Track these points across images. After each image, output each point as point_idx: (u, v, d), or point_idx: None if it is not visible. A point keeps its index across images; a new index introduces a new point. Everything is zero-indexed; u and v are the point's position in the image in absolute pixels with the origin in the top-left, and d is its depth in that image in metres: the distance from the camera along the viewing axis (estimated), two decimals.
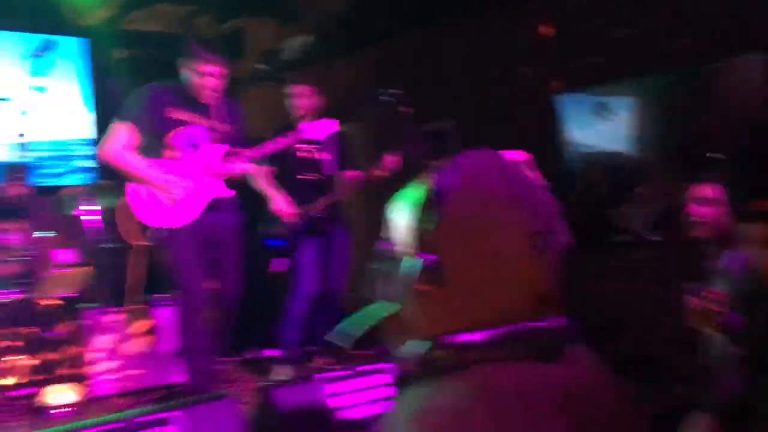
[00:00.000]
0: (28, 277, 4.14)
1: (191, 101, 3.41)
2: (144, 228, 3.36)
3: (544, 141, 4.53)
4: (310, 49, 6.21)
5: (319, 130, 3.62)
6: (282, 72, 6.42)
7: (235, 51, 6.57)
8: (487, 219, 0.90)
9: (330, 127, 3.64)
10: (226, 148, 3.50)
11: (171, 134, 3.37)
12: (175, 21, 6.54)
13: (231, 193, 3.53)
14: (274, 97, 6.19)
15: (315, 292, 4.15)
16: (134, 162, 3.32)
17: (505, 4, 4.76)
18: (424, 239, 0.92)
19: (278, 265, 4.12)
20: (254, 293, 3.85)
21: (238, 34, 6.55)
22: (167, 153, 3.38)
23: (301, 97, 4.16)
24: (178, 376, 3.86)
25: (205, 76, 3.33)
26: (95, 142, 5.84)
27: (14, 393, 3.85)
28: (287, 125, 3.97)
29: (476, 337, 0.89)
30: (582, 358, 0.96)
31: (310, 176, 4.21)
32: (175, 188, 3.35)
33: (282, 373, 4.10)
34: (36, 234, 4.36)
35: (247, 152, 3.46)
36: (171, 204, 3.37)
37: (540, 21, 4.55)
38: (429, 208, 0.92)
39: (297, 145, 4.05)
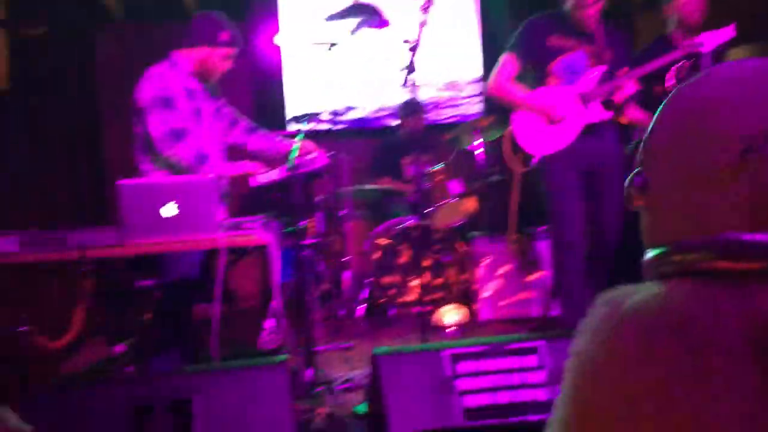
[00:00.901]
0: (426, 206, 4.52)
1: (573, 29, 3.32)
2: (527, 157, 3.39)
3: None
4: None
5: (716, 38, 3.17)
6: None
7: None
8: (686, 126, 0.81)
9: (726, 34, 3.17)
10: (606, 72, 3.31)
11: (552, 62, 3.33)
12: None
13: (609, 114, 3.33)
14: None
15: None
16: (517, 92, 3.39)
17: None
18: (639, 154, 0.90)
19: None
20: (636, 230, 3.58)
21: None
22: (549, 81, 3.36)
23: (687, 4, 3.62)
24: (554, 309, 3.86)
25: (587, 7, 3.21)
26: (483, 80, 6.08)
27: (412, 309, 4.29)
28: (662, 38, 3.56)
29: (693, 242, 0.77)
30: None
31: None
32: (555, 115, 3.31)
33: None
34: (432, 166, 4.72)
35: (630, 71, 3.22)
36: (549, 129, 3.34)
37: None
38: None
39: (678, 64, 3.60)
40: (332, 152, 3.41)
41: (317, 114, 3.61)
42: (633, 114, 3.49)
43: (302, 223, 3.33)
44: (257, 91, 5.69)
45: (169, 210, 2.69)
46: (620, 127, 3.52)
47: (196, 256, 3.21)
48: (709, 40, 3.20)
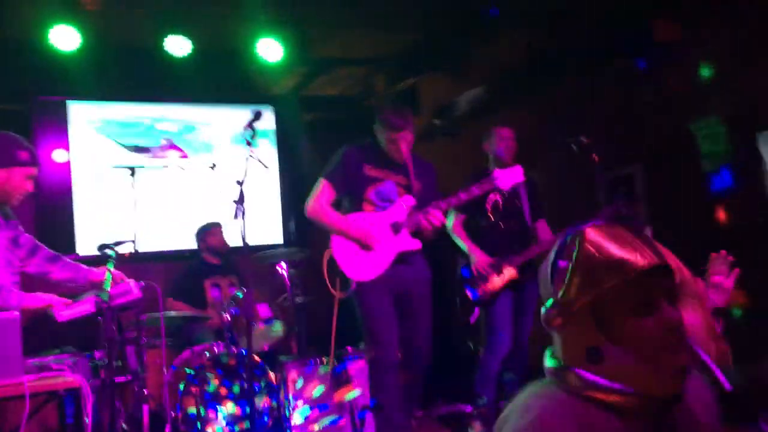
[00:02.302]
0: (234, 330, 4.42)
1: (384, 159, 3.58)
2: (345, 280, 3.50)
3: (743, 180, 4.24)
4: (482, 100, 6.27)
5: (510, 177, 3.56)
6: (455, 126, 6.53)
7: (410, 107, 6.77)
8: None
9: (519, 175, 3.59)
10: (415, 203, 3.57)
11: (366, 190, 3.55)
12: (353, 83, 6.88)
13: (418, 245, 3.59)
14: (448, 151, 6.30)
15: (510, 347, 4.07)
16: (334, 216, 3.54)
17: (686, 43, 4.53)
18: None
19: (473, 316, 4.09)
20: (446, 344, 3.83)
21: (412, 91, 6.77)
22: (365, 207, 3.56)
23: (506, 141, 4.15)
24: (371, 429, 3.91)
25: (397, 142, 3.49)
26: (282, 200, 6.24)
27: None
28: (480, 172, 3.96)
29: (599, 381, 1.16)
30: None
31: (505, 225, 4.15)
32: (369, 241, 3.48)
33: (476, 429, 4.04)
34: (239, 289, 4.66)
35: (439, 204, 3.50)
36: (365, 256, 3.50)
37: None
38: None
39: (491, 194, 4.03)
40: (143, 282, 3.27)
41: (123, 241, 3.45)
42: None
43: (100, 357, 3.13)
44: (41, 214, 5.29)
45: None
46: (436, 252, 3.81)
47: None
48: (503, 177, 3.56)
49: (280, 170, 6.47)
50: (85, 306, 2.96)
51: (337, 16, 5.32)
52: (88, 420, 2.61)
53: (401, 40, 6.02)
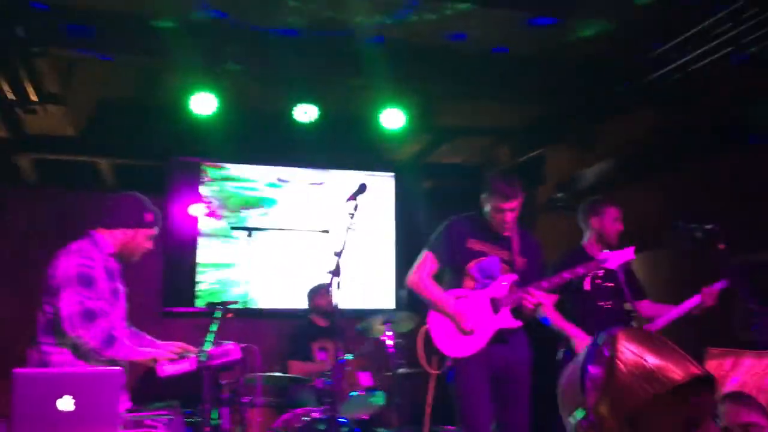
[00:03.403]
0: (333, 396, 4.40)
1: (490, 233, 3.49)
2: (441, 356, 3.41)
3: None
4: (609, 175, 6.03)
5: (619, 257, 3.42)
6: (579, 200, 6.31)
7: (534, 179, 6.65)
8: None
9: (629, 254, 3.43)
10: (518, 280, 3.45)
11: (469, 264, 3.46)
12: (475, 153, 6.87)
13: (518, 323, 3.44)
14: (569, 226, 6.09)
15: None
16: (434, 290, 3.47)
17: None
18: None
19: None
20: None
21: (537, 163, 6.64)
22: (466, 282, 3.47)
23: (618, 222, 3.96)
24: None
25: (504, 212, 3.40)
26: (397, 268, 6.24)
27: None
28: (575, 250, 3.81)
29: None
30: None
31: (604, 305, 3.91)
32: (464, 324, 3.37)
33: None
34: (342, 355, 4.66)
35: (540, 284, 3.36)
36: (462, 334, 3.40)
37: None
38: None
39: (592, 273, 3.84)
40: (245, 345, 3.33)
41: (230, 301, 3.54)
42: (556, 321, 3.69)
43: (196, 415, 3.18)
44: (169, 267, 5.61)
45: (66, 403, 2.50)
46: (539, 333, 3.64)
47: None
48: (613, 258, 3.43)
49: (396, 236, 6.51)
50: (186, 364, 3.05)
51: (461, 87, 5.34)
52: None
53: (526, 111, 5.96)
